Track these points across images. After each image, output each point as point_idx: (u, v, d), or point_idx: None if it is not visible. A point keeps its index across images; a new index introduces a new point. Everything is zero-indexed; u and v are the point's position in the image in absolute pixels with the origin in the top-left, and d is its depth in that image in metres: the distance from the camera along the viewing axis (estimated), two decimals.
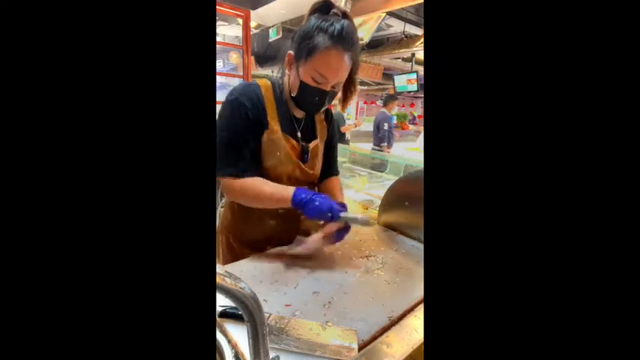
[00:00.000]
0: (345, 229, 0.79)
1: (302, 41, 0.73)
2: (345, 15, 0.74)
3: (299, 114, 0.87)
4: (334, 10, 0.74)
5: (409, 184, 0.95)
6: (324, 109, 0.83)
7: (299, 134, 0.87)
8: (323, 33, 0.71)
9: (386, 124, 3.89)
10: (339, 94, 0.84)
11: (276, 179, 0.84)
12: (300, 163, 0.87)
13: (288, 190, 0.77)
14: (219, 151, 0.77)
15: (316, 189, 1.01)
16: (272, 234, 0.90)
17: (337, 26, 0.71)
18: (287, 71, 0.80)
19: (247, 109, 0.78)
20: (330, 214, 0.73)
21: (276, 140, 0.82)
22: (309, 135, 0.91)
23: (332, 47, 0.71)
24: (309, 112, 0.86)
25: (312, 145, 0.90)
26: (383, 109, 3.96)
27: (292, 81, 0.79)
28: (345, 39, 0.71)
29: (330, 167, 1.00)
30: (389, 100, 3.96)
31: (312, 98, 0.77)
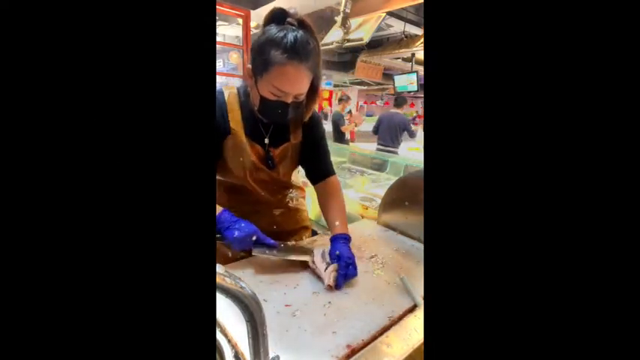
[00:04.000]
0: (343, 273, 0.70)
1: (257, 56, 0.71)
2: (301, 23, 0.71)
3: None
4: (289, 20, 0.71)
5: (409, 184, 0.95)
6: (289, 118, 0.79)
7: (266, 140, 0.85)
8: (276, 47, 0.68)
9: (412, 125, 4.05)
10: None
11: (244, 183, 0.85)
12: (265, 168, 0.85)
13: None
14: None
15: (291, 193, 0.98)
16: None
17: (290, 38, 0.67)
18: (248, 84, 0.78)
19: None
20: (252, 239, 0.73)
21: (239, 145, 0.81)
22: (281, 138, 0.86)
23: (287, 62, 0.68)
24: (276, 123, 0.84)
25: (278, 149, 0.86)
26: (397, 110, 3.96)
27: (253, 95, 0.77)
28: (299, 51, 0.68)
29: (321, 167, 0.93)
30: (403, 101, 4.00)
31: (274, 111, 0.75)
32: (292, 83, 0.71)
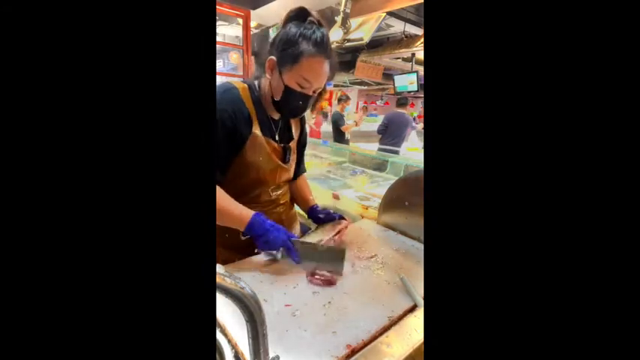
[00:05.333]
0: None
1: (285, 48, 0.76)
2: (319, 23, 0.78)
3: (276, 115, 0.89)
4: (311, 18, 0.77)
5: (409, 184, 0.95)
6: (306, 112, 0.86)
7: (277, 136, 0.89)
8: (307, 40, 0.74)
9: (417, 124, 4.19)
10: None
11: (258, 181, 0.88)
12: (282, 164, 0.90)
13: (245, 212, 0.77)
14: None
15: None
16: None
17: (319, 34, 0.75)
18: (268, 76, 0.81)
19: (227, 114, 0.77)
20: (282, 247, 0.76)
21: (259, 143, 0.84)
22: (287, 135, 0.94)
23: (316, 54, 0.74)
24: (293, 116, 0.88)
25: (292, 145, 0.93)
26: (402, 111, 3.99)
27: (275, 86, 0.81)
28: (325, 47, 0.75)
29: (300, 165, 1.05)
30: (406, 101, 4.06)
31: (296, 102, 0.80)
32: (319, 75, 0.77)
